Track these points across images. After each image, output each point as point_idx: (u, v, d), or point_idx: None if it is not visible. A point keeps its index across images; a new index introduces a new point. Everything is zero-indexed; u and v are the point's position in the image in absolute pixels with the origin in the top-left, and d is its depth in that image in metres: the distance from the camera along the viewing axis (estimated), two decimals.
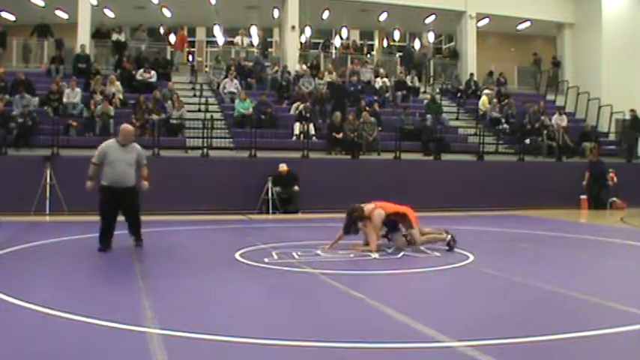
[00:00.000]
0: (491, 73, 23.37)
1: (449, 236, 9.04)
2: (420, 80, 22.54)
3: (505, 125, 19.96)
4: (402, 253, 8.68)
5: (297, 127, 17.55)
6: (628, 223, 14.45)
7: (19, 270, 7.49)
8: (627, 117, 21.25)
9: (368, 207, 8.88)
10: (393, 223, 9.03)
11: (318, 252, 8.67)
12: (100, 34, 21.26)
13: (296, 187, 15.87)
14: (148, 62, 19.71)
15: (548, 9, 23.57)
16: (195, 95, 19.61)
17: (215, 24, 25.02)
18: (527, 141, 19.22)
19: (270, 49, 24.62)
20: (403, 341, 4.43)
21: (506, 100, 21.09)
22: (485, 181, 17.68)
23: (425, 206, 16.24)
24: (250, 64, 21.06)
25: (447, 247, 8.96)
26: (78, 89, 17.18)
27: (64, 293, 6.32)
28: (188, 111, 17.72)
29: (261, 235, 11.11)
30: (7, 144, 15.27)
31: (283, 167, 15.95)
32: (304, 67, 21.10)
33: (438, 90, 22.34)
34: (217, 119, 17.56)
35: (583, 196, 17.91)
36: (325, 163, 16.89)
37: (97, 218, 12.39)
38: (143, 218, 13.61)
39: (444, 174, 17.55)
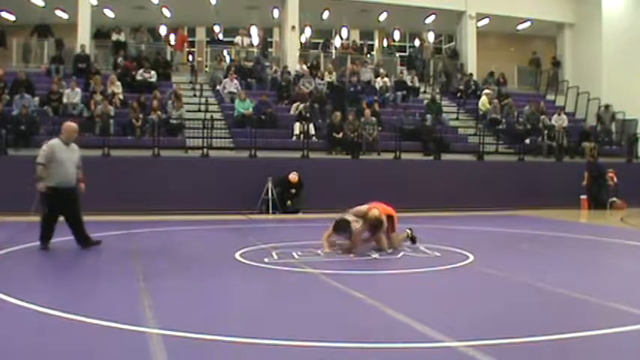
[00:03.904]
0: (491, 73, 23.36)
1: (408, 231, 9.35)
2: (420, 80, 22.54)
3: (505, 125, 19.96)
4: (401, 253, 8.69)
5: (297, 127, 17.54)
6: (628, 223, 14.45)
7: (19, 270, 7.49)
8: (628, 117, 21.31)
9: (361, 210, 8.83)
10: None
11: (318, 252, 8.66)
12: (100, 34, 21.28)
13: (293, 191, 15.93)
14: (148, 62, 19.71)
15: (548, 9, 23.57)
16: (195, 95, 19.61)
17: (215, 24, 25.01)
18: (527, 141, 19.22)
19: (270, 49, 24.61)
20: (403, 341, 4.43)
21: (505, 101, 21.10)
22: (485, 181, 17.67)
23: (425, 206, 16.32)
24: (250, 64, 21.06)
25: (410, 241, 9.27)
26: (78, 89, 17.18)
27: (64, 293, 6.32)
28: (188, 111, 17.73)
29: (261, 235, 11.11)
30: (7, 144, 15.28)
31: (295, 178, 15.90)
32: (304, 67, 21.08)
33: (437, 90, 22.34)
34: (217, 119, 17.56)
35: (583, 196, 17.91)
36: (325, 163, 16.88)
37: (97, 218, 12.40)
38: (144, 218, 13.73)
39: (444, 174, 17.55)
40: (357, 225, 8.65)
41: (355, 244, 8.65)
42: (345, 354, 4.19)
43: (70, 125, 9.07)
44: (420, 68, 23.65)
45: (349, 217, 8.80)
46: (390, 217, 8.96)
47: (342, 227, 8.69)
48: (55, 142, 8.89)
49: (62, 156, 8.67)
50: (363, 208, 8.85)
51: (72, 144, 8.95)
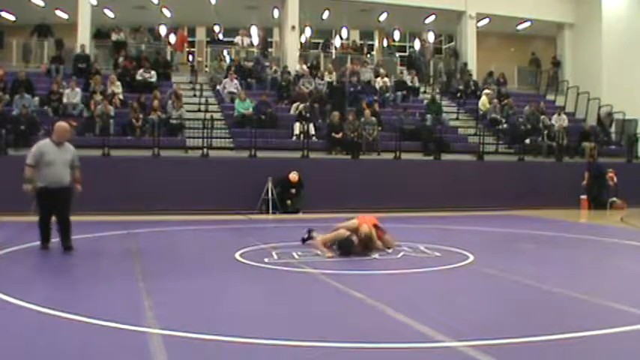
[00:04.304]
0: (491, 74, 23.36)
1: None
2: (421, 80, 22.55)
3: (505, 125, 19.97)
4: (401, 253, 8.68)
5: (297, 127, 17.55)
6: (628, 223, 14.45)
7: (19, 270, 7.49)
8: (628, 117, 21.33)
9: (352, 224, 8.75)
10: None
11: (318, 252, 8.64)
12: (100, 34, 21.29)
13: (293, 190, 15.91)
14: (148, 62, 19.71)
15: (548, 9, 23.57)
16: (195, 95, 19.61)
17: (215, 24, 25.02)
18: (527, 141, 19.22)
19: (270, 49, 24.62)
20: (403, 341, 4.43)
21: (505, 101, 21.10)
22: (485, 181, 17.67)
23: (425, 206, 16.34)
24: (250, 64, 21.06)
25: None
26: (78, 89, 17.18)
27: (64, 293, 6.32)
28: (188, 111, 17.73)
29: (261, 235, 11.11)
30: (7, 144, 15.28)
31: (295, 177, 15.89)
32: (304, 67, 21.09)
33: (437, 90, 22.35)
34: (217, 119, 17.56)
35: (583, 196, 17.91)
36: (325, 163, 16.89)
37: (97, 218, 12.43)
38: (144, 218, 13.73)
39: (444, 174, 17.55)
40: (355, 239, 8.62)
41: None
42: (345, 354, 4.19)
43: (61, 125, 8.92)
44: (423, 69, 23.67)
45: (345, 232, 8.68)
46: (375, 226, 8.95)
47: (347, 248, 8.53)
48: (44, 142, 8.80)
49: (52, 157, 8.53)
50: (353, 224, 8.76)
51: (65, 144, 8.79)
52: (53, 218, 8.76)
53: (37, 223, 8.75)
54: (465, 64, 23.12)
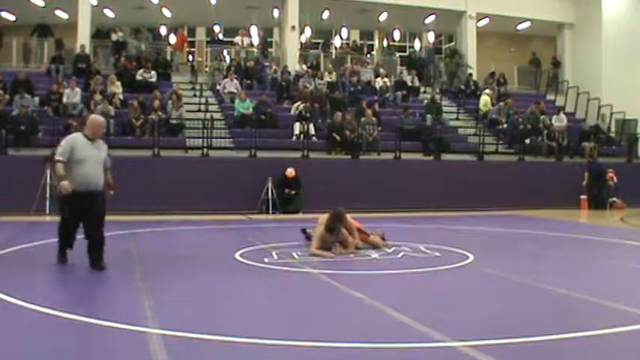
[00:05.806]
0: (492, 74, 23.33)
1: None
2: (420, 80, 22.55)
3: (505, 125, 19.96)
4: (402, 253, 8.69)
5: (297, 127, 17.55)
6: (628, 223, 14.45)
7: (19, 270, 7.48)
8: (628, 117, 21.34)
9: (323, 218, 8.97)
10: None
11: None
12: (100, 34, 21.29)
13: (293, 192, 15.88)
14: (148, 62, 19.69)
15: (548, 9, 23.57)
16: (195, 95, 19.61)
17: (215, 24, 25.02)
18: (527, 141, 19.22)
19: (270, 49, 24.62)
20: (403, 341, 4.43)
21: (506, 101, 21.09)
22: (485, 181, 17.67)
23: (425, 206, 16.35)
24: (250, 64, 21.07)
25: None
26: (78, 89, 17.19)
27: (64, 293, 6.33)
28: (188, 111, 17.74)
29: (261, 235, 11.11)
30: (7, 144, 15.28)
31: (291, 173, 15.90)
32: (304, 67, 21.08)
33: (438, 90, 22.35)
34: (217, 119, 17.57)
35: (583, 196, 17.91)
36: (325, 163, 16.89)
37: None
38: (144, 218, 13.72)
39: (444, 174, 17.55)
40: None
41: (347, 239, 8.67)
42: (345, 354, 4.19)
43: (97, 119, 7.75)
44: (430, 71, 23.66)
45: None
46: (358, 229, 9.12)
47: (340, 214, 8.67)
48: (75, 136, 7.54)
49: (85, 154, 7.26)
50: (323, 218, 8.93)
51: (99, 140, 7.57)
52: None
53: (58, 230, 7.53)
54: (465, 67, 23.04)
